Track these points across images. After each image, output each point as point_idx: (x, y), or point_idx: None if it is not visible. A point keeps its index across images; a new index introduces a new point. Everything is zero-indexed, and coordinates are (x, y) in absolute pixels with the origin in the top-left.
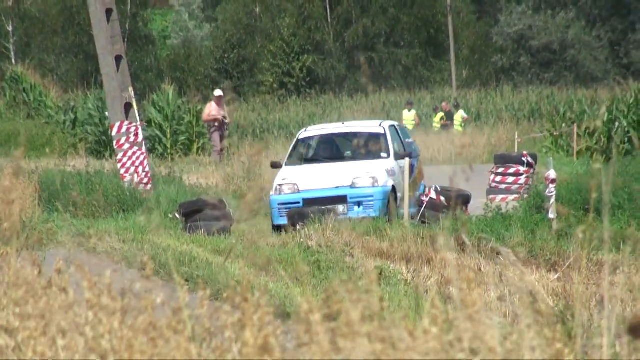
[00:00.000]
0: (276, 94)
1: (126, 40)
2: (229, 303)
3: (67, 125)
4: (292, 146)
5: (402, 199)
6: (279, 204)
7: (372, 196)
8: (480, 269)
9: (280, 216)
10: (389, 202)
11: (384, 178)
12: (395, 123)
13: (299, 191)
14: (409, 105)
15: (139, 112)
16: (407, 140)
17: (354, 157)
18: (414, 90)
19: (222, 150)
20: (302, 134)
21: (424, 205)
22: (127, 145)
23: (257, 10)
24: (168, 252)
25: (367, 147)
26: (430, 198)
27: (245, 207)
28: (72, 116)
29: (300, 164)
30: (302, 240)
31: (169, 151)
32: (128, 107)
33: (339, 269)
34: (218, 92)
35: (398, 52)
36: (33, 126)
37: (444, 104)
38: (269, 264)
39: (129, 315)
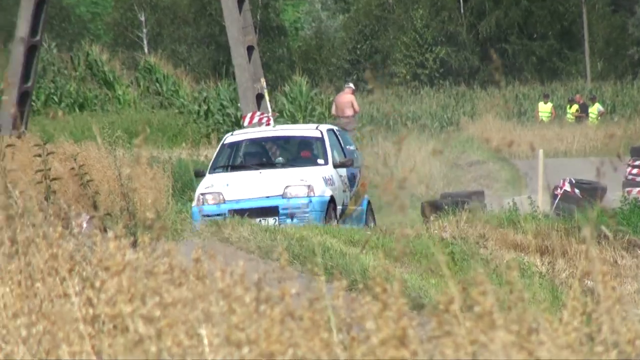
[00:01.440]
0: (409, 86)
1: (258, 30)
2: (365, 294)
3: (199, 116)
4: (216, 152)
5: (344, 211)
6: (202, 216)
7: (307, 207)
8: (616, 262)
9: None
10: (327, 215)
11: (321, 187)
12: (335, 127)
13: (224, 201)
14: (546, 97)
15: (270, 102)
16: (348, 147)
17: (286, 164)
18: (547, 82)
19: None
20: (228, 138)
21: (559, 198)
22: None
23: (390, 1)
24: (302, 243)
25: (302, 152)
26: (565, 190)
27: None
28: (205, 106)
29: (226, 172)
30: (436, 231)
31: None
32: (260, 97)
33: (474, 260)
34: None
35: (531, 44)
36: (166, 116)
37: (577, 96)
38: (405, 255)
39: (265, 305)
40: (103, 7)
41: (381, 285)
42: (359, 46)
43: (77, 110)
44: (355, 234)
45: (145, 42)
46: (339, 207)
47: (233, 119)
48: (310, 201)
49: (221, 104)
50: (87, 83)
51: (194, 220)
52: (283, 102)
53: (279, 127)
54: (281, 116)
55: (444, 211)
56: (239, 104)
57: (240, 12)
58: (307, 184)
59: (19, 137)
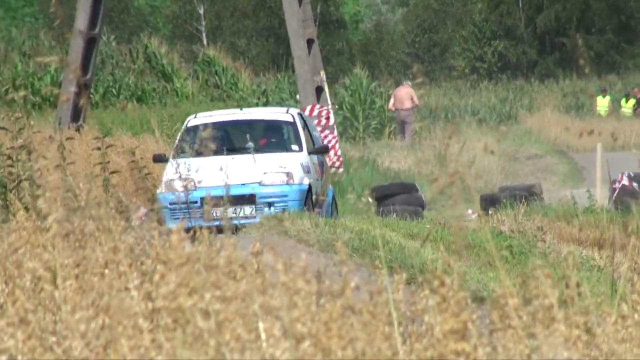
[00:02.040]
0: (468, 79)
1: (318, 23)
2: (425, 287)
3: None
4: (180, 135)
5: (317, 201)
6: (171, 204)
7: (286, 196)
8: None
9: (174, 218)
10: (306, 204)
11: (299, 174)
12: (303, 113)
13: (195, 188)
14: (604, 92)
15: (330, 95)
16: (314, 133)
17: (258, 150)
18: (604, 76)
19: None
20: (192, 120)
21: (617, 191)
22: (318, 129)
23: None
24: (361, 236)
25: (274, 137)
26: (623, 184)
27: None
28: (264, 99)
29: (194, 157)
30: (494, 225)
31: (360, 135)
32: (319, 90)
33: (532, 254)
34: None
35: (589, 38)
36: (224, 109)
37: (635, 89)
38: (463, 249)
39: (325, 299)
40: (162, 0)
41: (441, 278)
42: (417, 39)
43: (135, 102)
44: (414, 228)
45: (204, 34)
46: (314, 197)
47: None
48: (290, 189)
49: (280, 97)
50: (145, 76)
51: (162, 210)
52: (343, 95)
53: (246, 110)
54: (340, 109)
55: (502, 204)
56: (298, 97)
57: (300, 4)
58: (286, 171)
59: (77, 130)
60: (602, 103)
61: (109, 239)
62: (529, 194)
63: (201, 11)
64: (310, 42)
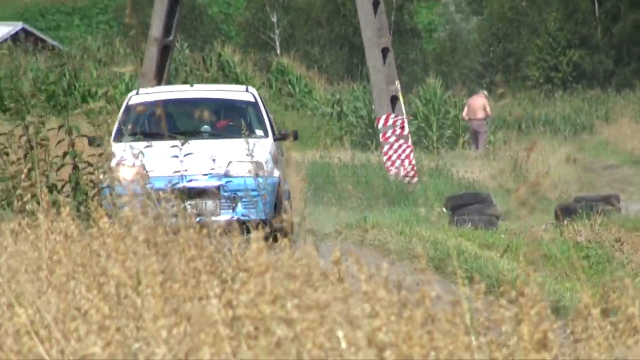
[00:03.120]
0: (542, 89)
1: (392, 32)
2: (504, 297)
3: (332, 118)
4: (120, 114)
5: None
6: (115, 195)
7: (255, 190)
8: None
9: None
10: (278, 200)
11: (270, 164)
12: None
13: (147, 178)
14: None
15: (404, 105)
16: (271, 116)
17: (217, 134)
18: None
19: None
20: (133, 97)
21: None
22: (393, 138)
23: (523, 4)
24: (436, 246)
25: (233, 120)
26: None
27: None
28: (338, 108)
29: (139, 140)
30: (570, 235)
31: (434, 144)
32: (394, 100)
33: (610, 264)
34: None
35: None
36: (298, 118)
37: None
38: (539, 259)
39: (406, 308)
40: (235, 7)
41: (520, 288)
42: (492, 49)
43: None
44: (489, 237)
45: (277, 43)
46: (286, 188)
47: (367, 121)
48: (259, 183)
49: (354, 106)
50: (219, 83)
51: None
52: (417, 105)
53: (197, 86)
54: (414, 118)
55: (578, 215)
56: (372, 106)
57: (375, 14)
58: (256, 159)
59: None
60: None
61: (190, 246)
62: (605, 205)
63: (274, 19)
64: (385, 51)
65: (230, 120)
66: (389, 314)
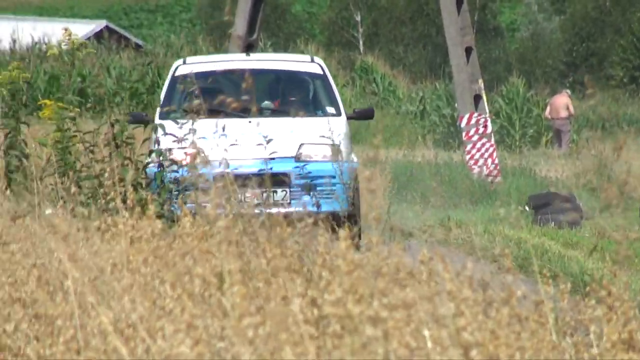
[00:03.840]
0: (626, 89)
1: (475, 31)
2: (591, 296)
3: (415, 116)
4: (165, 87)
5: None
6: (167, 182)
7: (334, 177)
8: None
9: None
10: (356, 189)
11: (348, 148)
12: None
13: (207, 163)
14: None
15: (487, 103)
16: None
17: (280, 111)
18: None
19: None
20: (180, 67)
21: None
22: (475, 137)
23: (607, 3)
24: (520, 245)
25: (298, 95)
26: None
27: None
28: (421, 107)
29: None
30: None
31: (517, 143)
32: (477, 98)
33: None
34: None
35: None
36: (381, 116)
37: None
38: (626, 259)
39: (491, 308)
40: (319, 6)
41: (608, 288)
42: (575, 48)
43: None
44: (573, 237)
45: (360, 42)
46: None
47: (449, 120)
48: (338, 169)
49: (437, 105)
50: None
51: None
52: (499, 104)
53: (255, 55)
54: (497, 117)
55: None
56: (455, 105)
57: (458, 13)
58: (331, 142)
59: None
60: None
61: (275, 245)
62: None
63: (358, 18)
64: (468, 50)
65: (294, 94)
66: (474, 313)
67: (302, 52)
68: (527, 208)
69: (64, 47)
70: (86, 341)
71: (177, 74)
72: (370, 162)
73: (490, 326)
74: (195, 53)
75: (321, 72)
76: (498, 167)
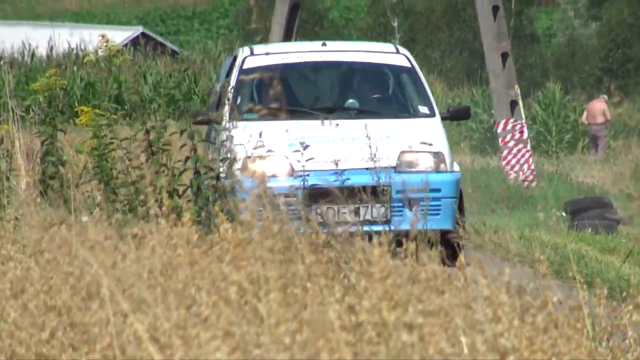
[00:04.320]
0: None
1: (511, 37)
2: (627, 302)
3: (452, 122)
4: (233, 82)
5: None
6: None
7: (439, 190)
8: None
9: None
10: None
11: (450, 155)
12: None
13: (292, 174)
14: None
15: (523, 109)
16: None
17: (368, 111)
18: None
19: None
20: (249, 59)
21: None
22: (512, 143)
23: None
24: (556, 250)
25: (383, 91)
26: None
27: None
28: None
29: (265, 119)
30: None
31: (553, 149)
32: (514, 104)
33: None
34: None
35: None
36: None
37: None
38: None
39: (528, 313)
40: (356, 12)
41: None
42: (611, 54)
43: None
44: (610, 242)
45: None
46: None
47: (486, 126)
48: (443, 180)
49: (474, 111)
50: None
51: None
52: (536, 109)
53: (331, 44)
54: (534, 123)
55: None
56: (492, 111)
57: (494, 19)
58: (434, 149)
59: None
60: None
61: (312, 251)
62: None
63: (395, 24)
64: (504, 56)
65: (378, 91)
66: (510, 319)
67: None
68: (563, 214)
69: (100, 53)
70: (122, 349)
71: (245, 66)
72: None
73: (527, 332)
74: None
75: (409, 65)
76: (534, 173)
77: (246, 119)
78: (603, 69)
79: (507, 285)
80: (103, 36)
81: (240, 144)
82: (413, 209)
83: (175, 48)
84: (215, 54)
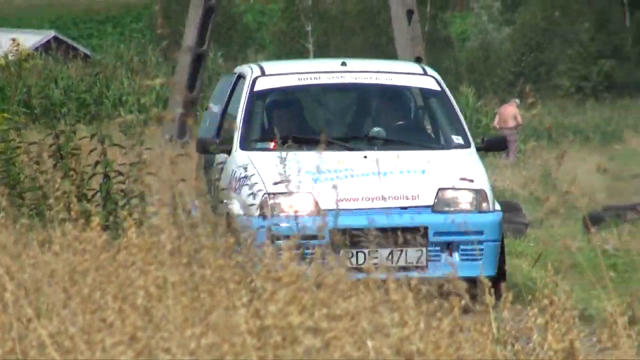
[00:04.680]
0: (573, 98)
1: (425, 41)
2: (532, 306)
3: None
4: (243, 107)
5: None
6: (276, 237)
7: (482, 232)
8: None
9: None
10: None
11: (491, 192)
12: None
13: (318, 212)
14: None
15: None
16: None
17: (396, 141)
18: None
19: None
20: (260, 80)
21: None
22: None
23: (556, 14)
24: None
25: (416, 119)
26: None
27: (547, 210)
28: None
29: (278, 149)
30: (598, 243)
31: None
32: None
33: (637, 273)
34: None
35: None
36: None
37: None
38: (568, 268)
39: (434, 318)
40: (269, 16)
41: (549, 297)
42: (523, 58)
43: None
44: (517, 246)
45: (311, 51)
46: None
47: None
48: (485, 220)
49: None
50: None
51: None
52: None
53: (352, 63)
54: None
55: (606, 224)
56: None
57: (409, 23)
58: (475, 186)
59: (182, 146)
60: None
61: (218, 256)
62: (634, 214)
63: (309, 28)
64: (418, 60)
65: (405, 118)
66: (416, 322)
67: (252, 61)
68: None
69: (10, 57)
70: (25, 353)
71: (256, 88)
72: None
73: (432, 336)
74: (145, 63)
75: (439, 89)
76: None
77: (260, 149)
78: (515, 73)
79: (414, 290)
80: (14, 40)
81: (259, 179)
82: (453, 254)
83: (88, 52)
84: (127, 57)
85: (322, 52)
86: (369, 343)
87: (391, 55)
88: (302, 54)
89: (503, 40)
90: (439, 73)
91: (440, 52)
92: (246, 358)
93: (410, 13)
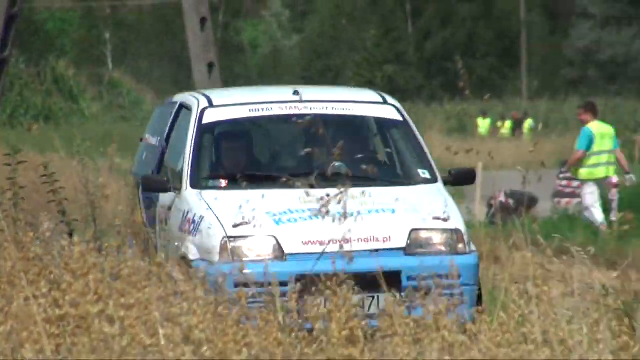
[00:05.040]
0: None
1: (219, 48)
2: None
3: None
4: (191, 142)
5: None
6: (234, 283)
7: (460, 275)
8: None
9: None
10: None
11: (467, 232)
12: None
13: (282, 256)
14: (484, 114)
15: None
16: None
17: (359, 177)
18: (487, 99)
19: None
20: (208, 112)
21: (493, 208)
22: None
23: (343, 22)
24: None
25: (376, 151)
26: (500, 201)
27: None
28: None
29: (242, 188)
30: None
31: None
32: None
33: None
34: None
35: (473, 62)
36: (128, 129)
37: (514, 112)
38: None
39: (222, 307)
40: (70, 24)
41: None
42: (312, 64)
43: (42, 122)
44: None
45: (109, 58)
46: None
47: None
48: (462, 263)
49: None
50: (53, 97)
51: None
52: None
53: (305, 91)
54: None
55: None
56: None
57: (202, 30)
58: (450, 226)
59: None
60: (483, 124)
61: (19, 249)
62: None
63: (107, 36)
64: (211, 65)
65: (364, 151)
66: (205, 312)
67: (53, 68)
68: None
69: None
70: None
71: (205, 121)
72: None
73: (220, 324)
74: None
75: (400, 118)
76: None
77: (213, 187)
78: (304, 79)
79: (203, 281)
80: None
81: (216, 221)
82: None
83: None
84: None
85: (119, 59)
86: (161, 331)
87: (185, 60)
88: (100, 60)
89: (293, 47)
90: (231, 78)
91: (232, 58)
92: (42, 345)
93: (203, 21)
